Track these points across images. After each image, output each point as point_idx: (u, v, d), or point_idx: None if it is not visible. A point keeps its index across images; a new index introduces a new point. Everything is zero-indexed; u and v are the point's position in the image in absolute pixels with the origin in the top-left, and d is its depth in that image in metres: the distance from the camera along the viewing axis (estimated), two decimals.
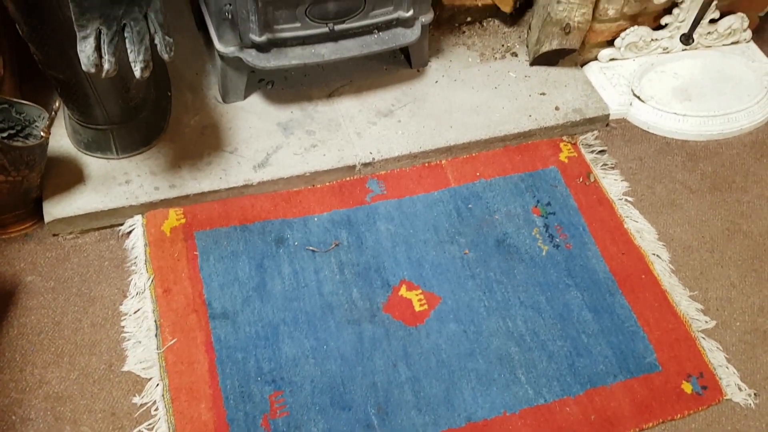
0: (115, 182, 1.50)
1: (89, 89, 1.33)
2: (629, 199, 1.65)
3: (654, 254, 1.55)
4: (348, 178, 1.64)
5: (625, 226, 1.59)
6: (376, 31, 1.64)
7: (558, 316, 1.44)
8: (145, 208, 1.50)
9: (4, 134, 1.35)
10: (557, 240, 1.56)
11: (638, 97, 1.78)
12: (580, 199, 1.64)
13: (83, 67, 1.14)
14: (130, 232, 1.48)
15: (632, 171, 1.71)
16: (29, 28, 1.20)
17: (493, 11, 1.89)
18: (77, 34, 1.11)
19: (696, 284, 1.51)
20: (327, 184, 1.63)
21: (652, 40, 1.82)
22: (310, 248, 1.50)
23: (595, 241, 1.56)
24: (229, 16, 1.48)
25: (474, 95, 1.77)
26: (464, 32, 1.91)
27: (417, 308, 1.43)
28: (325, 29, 1.57)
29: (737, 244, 1.59)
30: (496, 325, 1.41)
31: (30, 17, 1.17)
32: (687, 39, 1.75)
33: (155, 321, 1.36)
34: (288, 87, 1.74)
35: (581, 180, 1.67)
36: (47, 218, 1.44)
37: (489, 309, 1.44)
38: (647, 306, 1.46)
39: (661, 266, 1.53)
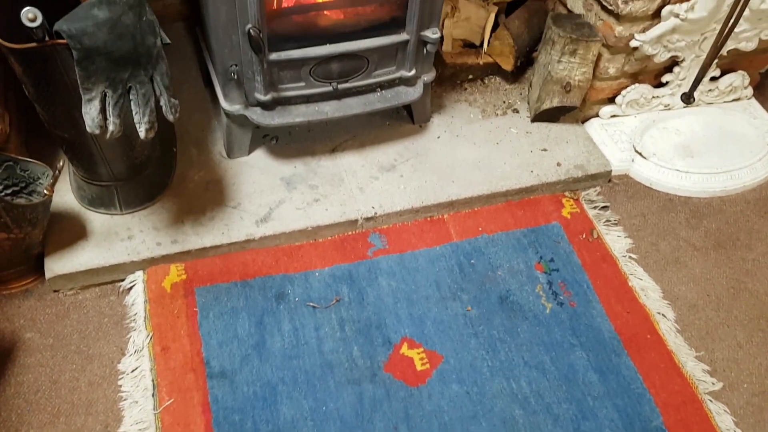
0: (118, 238, 1.50)
1: (94, 148, 1.35)
2: (633, 256, 1.64)
3: (659, 313, 1.53)
4: (350, 233, 1.64)
5: (630, 283, 1.58)
6: (379, 90, 1.67)
7: (563, 377, 1.41)
8: (146, 264, 1.50)
9: (8, 191, 1.36)
10: (561, 297, 1.54)
11: (640, 154, 1.79)
12: (583, 256, 1.63)
13: (88, 129, 1.15)
14: (130, 288, 1.48)
15: (636, 227, 1.70)
16: (35, 90, 1.22)
17: (495, 69, 1.92)
18: (82, 96, 1.13)
19: (702, 344, 1.49)
20: (329, 238, 1.62)
21: (653, 97, 1.84)
22: (311, 304, 1.49)
23: (600, 299, 1.54)
24: (235, 76, 1.51)
25: (476, 150, 1.78)
26: (466, 89, 1.94)
27: (419, 367, 1.41)
28: (329, 88, 1.59)
29: (743, 303, 1.57)
30: (500, 387, 1.39)
31: (37, 80, 1.20)
32: (688, 98, 1.77)
33: (152, 380, 1.34)
34: (292, 142, 1.76)
35: (584, 236, 1.67)
36: (48, 274, 1.44)
37: (492, 369, 1.41)
38: (653, 367, 1.44)
39: (666, 326, 1.51)
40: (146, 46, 1.18)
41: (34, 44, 1.10)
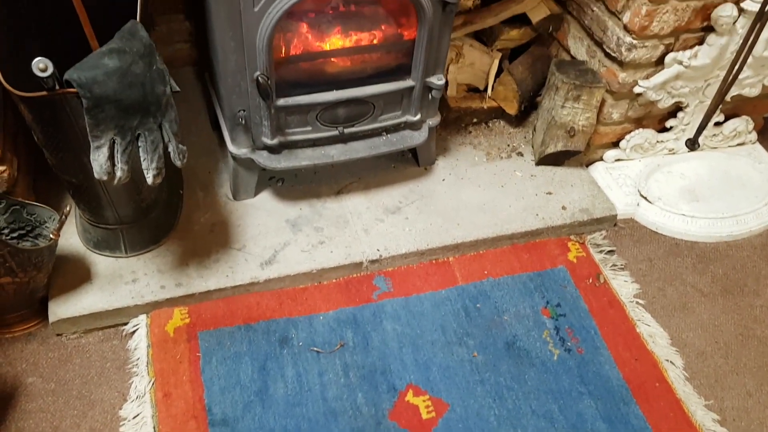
0: (122, 281, 1.50)
1: (101, 192, 1.36)
2: (640, 301, 1.62)
3: (667, 360, 1.51)
4: (355, 275, 1.63)
5: (638, 330, 1.56)
6: (385, 134, 1.68)
7: (571, 427, 1.38)
8: (150, 308, 1.49)
9: (14, 235, 1.36)
10: (569, 344, 1.53)
11: (645, 198, 1.79)
12: (590, 301, 1.61)
13: (95, 175, 1.16)
14: (133, 332, 1.47)
15: (642, 272, 1.69)
16: (44, 136, 1.23)
17: (499, 113, 1.94)
18: (91, 143, 1.14)
19: (711, 393, 1.46)
20: (334, 280, 1.62)
21: (657, 141, 1.85)
22: (315, 349, 1.48)
23: (608, 346, 1.53)
24: (243, 121, 1.52)
25: (481, 193, 1.79)
26: (471, 132, 1.95)
27: (424, 416, 1.39)
28: (335, 132, 1.61)
29: (752, 351, 1.55)
30: None
31: (46, 126, 1.21)
32: (693, 144, 1.78)
33: (154, 427, 1.32)
34: (298, 184, 1.77)
35: (591, 281, 1.65)
36: (52, 318, 1.43)
37: (499, 418, 1.39)
38: (662, 416, 1.41)
39: (675, 373, 1.49)
40: (156, 94, 1.19)
41: (44, 93, 1.11)
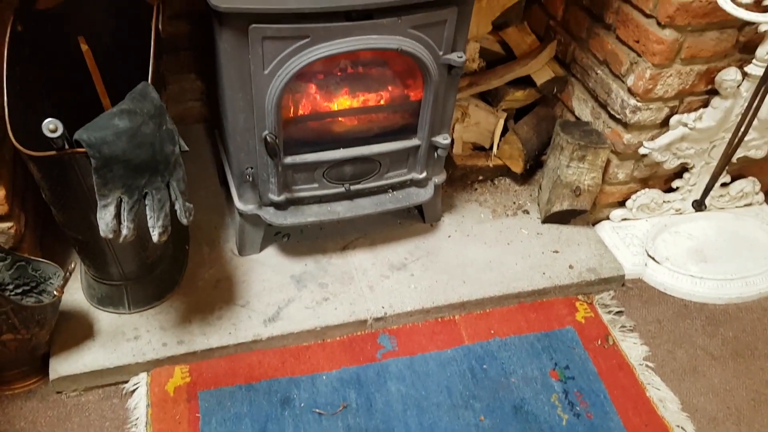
0: (124, 338, 1.48)
1: (107, 249, 1.36)
2: (650, 364, 1.59)
3: (678, 426, 1.47)
4: (359, 333, 1.61)
5: (648, 394, 1.52)
6: (391, 190, 1.69)
7: None
8: (151, 365, 1.47)
9: (18, 290, 1.36)
10: (578, 408, 1.49)
11: (653, 258, 1.78)
12: (599, 363, 1.58)
13: (101, 233, 1.16)
14: (133, 390, 1.44)
15: (651, 334, 1.66)
16: (52, 194, 1.25)
17: (504, 171, 1.95)
18: (98, 202, 1.15)
19: None
20: (337, 338, 1.60)
21: (663, 201, 1.84)
22: (317, 411, 1.45)
23: (617, 411, 1.49)
24: (250, 179, 1.54)
25: (487, 251, 1.78)
26: (476, 189, 1.96)
27: None
28: (342, 189, 1.62)
29: (764, 416, 1.50)
30: None
31: (54, 184, 1.22)
32: (699, 206, 1.77)
33: None
34: (303, 239, 1.77)
35: (600, 342, 1.63)
36: (53, 375, 1.41)
37: None
38: None
39: None
40: (164, 153, 1.21)
41: (53, 153, 1.13)
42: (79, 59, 1.39)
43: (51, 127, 1.08)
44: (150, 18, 1.34)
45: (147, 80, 1.25)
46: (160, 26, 1.33)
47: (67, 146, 1.14)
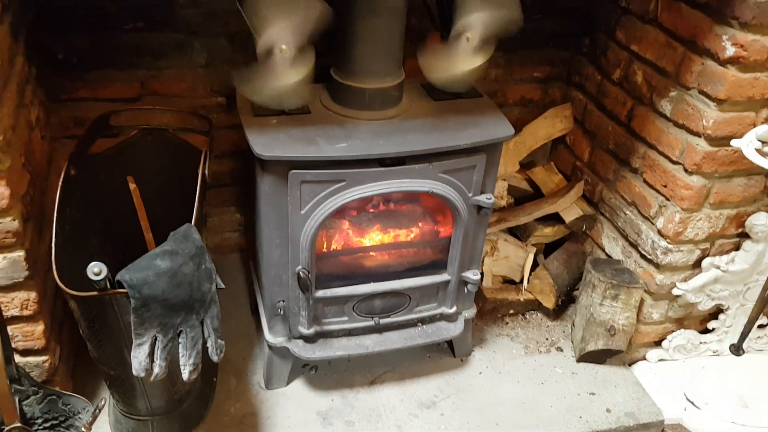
0: None
1: (137, 384, 1.36)
2: None
3: None
4: None
5: None
6: (420, 324, 1.69)
7: None
8: None
9: (47, 425, 1.35)
10: None
11: (692, 403, 1.70)
12: None
13: (133, 371, 1.17)
14: None
15: None
16: (90, 330, 1.27)
17: (536, 305, 1.93)
18: (133, 340, 1.17)
19: None
20: None
21: (700, 343, 1.80)
22: None
23: None
24: (281, 312, 1.55)
25: (520, 390, 1.73)
26: (507, 323, 1.94)
27: None
28: (371, 322, 1.62)
29: None
30: None
31: (92, 321, 1.24)
32: (737, 350, 1.72)
33: None
34: (331, 372, 1.74)
35: None
36: None
37: None
38: None
39: None
40: (201, 292, 1.23)
41: (95, 293, 1.16)
42: (125, 196, 1.46)
43: (95, 270, 1.12)
44: (197, 160, 1.42)
45: (190, 221, 1.30)
46: (206, 171, 1.40)
47: (108, 286, 1.17)
